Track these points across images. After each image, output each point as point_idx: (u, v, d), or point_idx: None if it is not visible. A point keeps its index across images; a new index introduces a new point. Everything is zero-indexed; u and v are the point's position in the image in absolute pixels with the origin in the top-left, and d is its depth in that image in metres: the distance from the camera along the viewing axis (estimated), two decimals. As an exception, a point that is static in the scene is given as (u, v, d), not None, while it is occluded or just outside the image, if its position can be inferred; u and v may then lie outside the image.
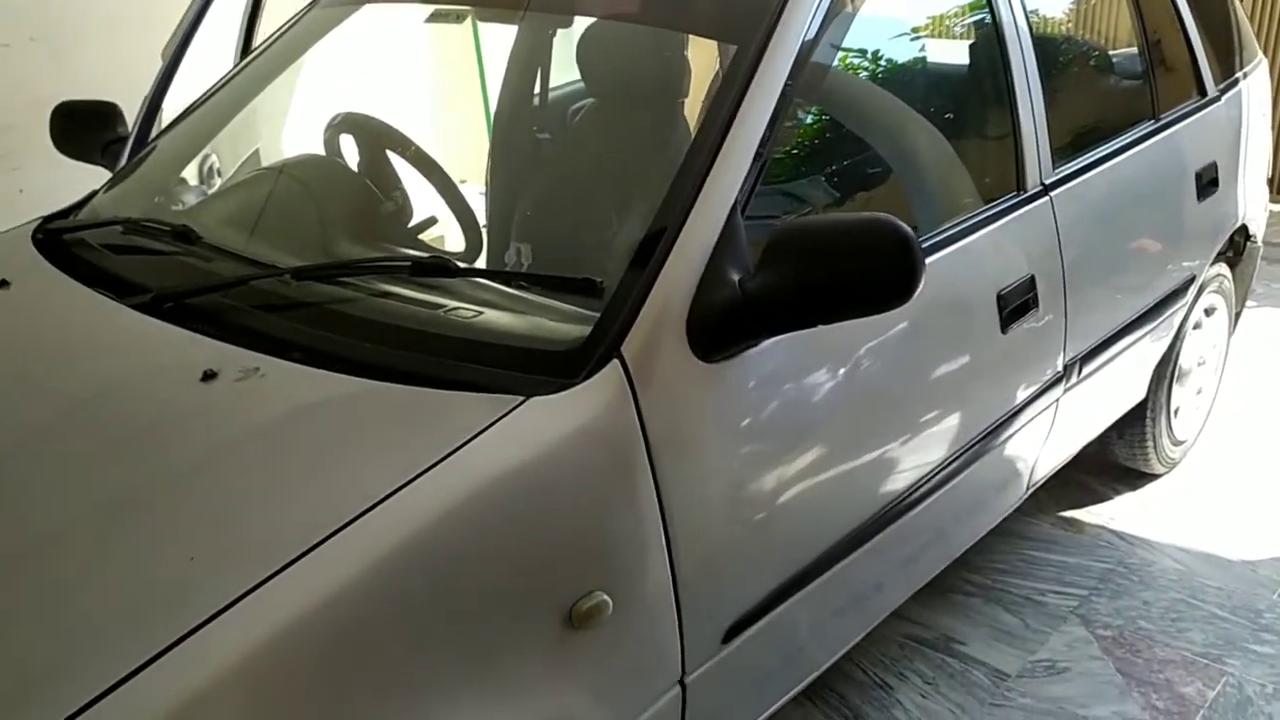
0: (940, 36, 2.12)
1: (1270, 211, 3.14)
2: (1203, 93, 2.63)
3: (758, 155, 1.50)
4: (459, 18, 2.68)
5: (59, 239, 1.81)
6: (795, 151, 1.83)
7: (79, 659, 1.03)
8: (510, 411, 1.27)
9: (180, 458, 1.27)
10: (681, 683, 1.45)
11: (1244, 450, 2.97)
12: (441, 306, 1.48)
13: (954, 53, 2.10)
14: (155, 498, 1.22)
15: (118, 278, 1.64)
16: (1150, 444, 2.72)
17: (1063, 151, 2.12)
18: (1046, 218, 2.02)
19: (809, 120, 1.88)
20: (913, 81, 2.07)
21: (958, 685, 2.15)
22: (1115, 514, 2.71)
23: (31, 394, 1.45)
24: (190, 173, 2.12)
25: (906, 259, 1.31)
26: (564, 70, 2.27)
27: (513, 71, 2.31)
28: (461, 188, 2.10)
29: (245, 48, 2.58)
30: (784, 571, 1.59)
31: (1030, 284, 1.94)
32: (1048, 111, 2.06)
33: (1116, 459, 2.80)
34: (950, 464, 1.88)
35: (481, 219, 2.10)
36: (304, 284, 1.54)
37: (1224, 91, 2.71)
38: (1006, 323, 1.88)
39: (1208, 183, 2.54)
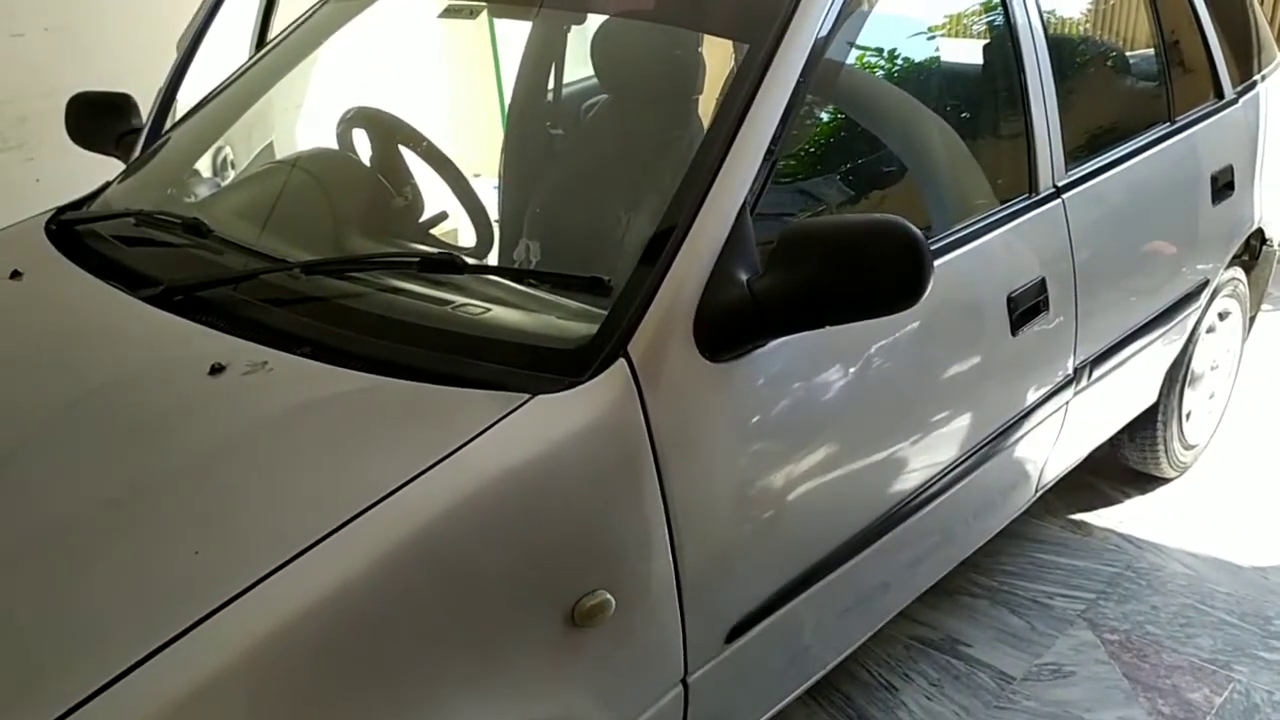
0: (955, 36, 2.11)
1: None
2: (1220, 95, 2.61)
3: (768, 154, 1.49)
4: (473, 13, 2.68)
5: (72, 230, 1.82)
6: (808, 150, 1.82)
7: (85, 650, 1.04)
8: (516, 409, 1.27)
9: (188, 450, 1.28)
10: (684, 682, 1.45)
11: (1256, 455, 2.95)
12: (450, 303, 1.49)
13: (968, 52, 2.10)
14: (162, 490, 1.23)
15: (129, 270, 1.64)
16: (1161, 448, 2.71)
17: (1076, 153, 2.11)
18: (1059, 220, 2.01)
19: (822, 119, 1.87)
20: (926, 81, 2.06)
21: (963, 687, 2.15)
22: (1125, 518, 2.70)
23: (41, 385, 1.45)
24: (204, 165, 2.13)
25: (915, 261, 1.31)
26: (578, 66, 2.26)
27: (526, 67, 2.31)
28: (474, 183, 2.11)
29: (260, 41, 2.58)
30: (789, 571, 1.59)
31: (1041, 286, 1.93)
32: (1062, 113, 2.05)
33: (1127, 462, 2.79)
34: (958, 466, 1.87)
35: (493, 215, 2.11)
36: (313, 278, 1.54)
37: (1242, 94, 2.69)
38: (1017, 325, 1.88)
39: (1223, 186, 2.52)
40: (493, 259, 1.99)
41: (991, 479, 2.02)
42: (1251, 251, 2.81)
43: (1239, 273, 2.78)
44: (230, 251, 1.67)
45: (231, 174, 2.17)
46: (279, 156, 2.19)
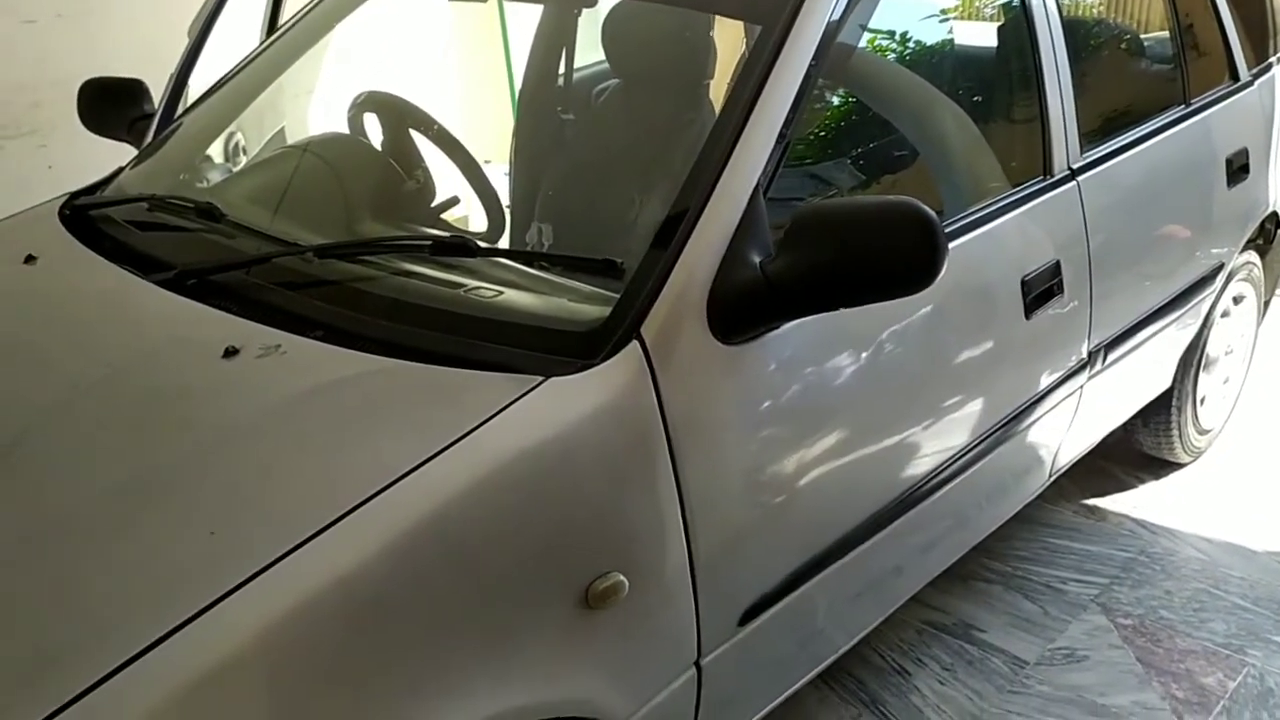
0: (968, 18, 2.10)
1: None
2: (1235, 78, 2.59)
3: (781, 137, 1.48)
4: (483, -3, 2.68)
5: (85, 215, 1.82)
6: (820, 134, 1.82)
7: (102, 630, 1.04)
8: (529, 391, 1.27)
9: (201, 433, 1.28)
10: (697, 665, 1.46)
11: (1270, 440, 2.94)
12: (462, 286, 1.49)
13: (982, 35, 2.08)
14: (177, 472, 1.23)
15: (142, 254, 1.65)
16: (1175, 432, 2.70)
17: (1091, 136, 2.10)
18: (1073, 203, 2.00)
19: (834, 102, 1.87)
20: (939, 64, 2.05)
21: (975, 672, 2.15)
22: (1139, 502, 2.69)
23: (55, 368, 1.46)
24: (216, 150, 2.13)
25: (929, 243, 1.30)
26: (588, 51, 2.26)
27: (537, 52, 2.31)
28: (485, 168, 2.11)
29: (270, 25, 2.58)
30: (802, 555, 1.59)
31: (1056, 269, 1.92)
32: (1076, 95, 2.04)
33: (1141, 447, 2.78)
34: (972, 450, 1.87)
35: (505, 199, 2.11)
36: (326, 262, 1.54)
37: (1257, 76, 2.67)
38: (1031, 309, 1.87)
39: (1238, 169, 2.51)
40: (504, 244, 1.99)
41: (1005, 464, 2.02)
42: (1266, 235, 2.80)
43: (1254, 256, 2.77)
44: (243, 236, 1.67)
45: (243, 159, 2.17)
46: (290, 142, 2.19)
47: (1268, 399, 3.10)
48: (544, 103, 2.33)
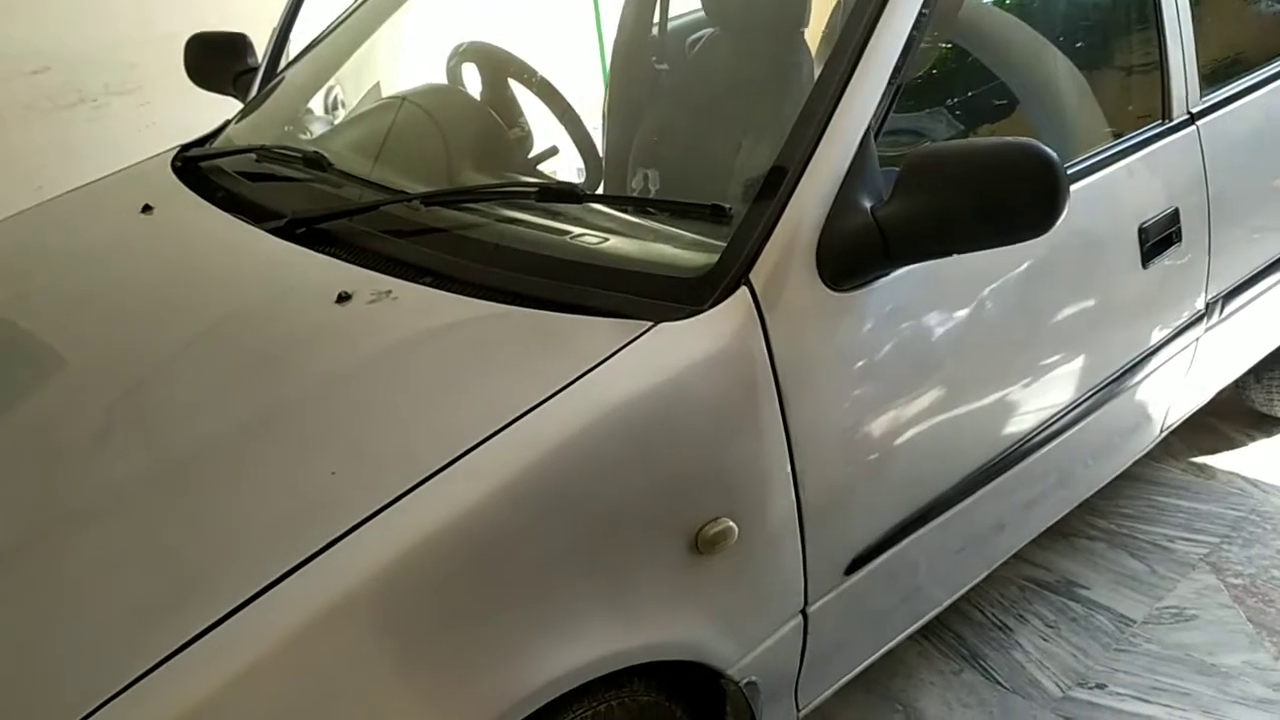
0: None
1: None
2: (1366, 16, 2.46)
3: (892, 80, 1.44)
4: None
5: (196, 166, 1.86)
6: (924, 81, 1.77)
7: (227, 566, 1.08)
8: (639, 336, 1.26)
9: (319, 375, 1.31)
10: (804, 612, 1.45)
11: (1392, 399, 2.82)
12: (567, 233, 1.48)
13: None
14: (296, 414, 1.26)
15: (253, 203, 1.68)
16: (1290, 389, 2.60)
17: (1212, 78, 2.01)
18: (1193, 148, 1.92)
19: (939, 49, 1.81)
20: (1053, 5, 1.98)
21: (1080, 629, 2.11)
22: (1250, 460, 2.60)
23: (176, 314, 1.50)
24: (317, 103, 2.16)
25: (1051, 184, 1.26)
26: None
27: (630, 3, 2.28)
28: (581, 119, 2.10)
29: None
30: (906, 508, 1.57)
31: (1174, 217, 1.85)
32: (1197, 35, 1.95)
33: (1252, 404, 2.69)
34: (1079, 405, 1.82)
35: (600, 150, 2.10)
36: (432, 209, 1.55)
37: (1389, 15, 2.53)
38: (1147, 258, 1.81)
39: (1368, 112, 2.38)
40: (602, 192, 1.98)
41: (1114, 420, 1.96)
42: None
43: (1381, 205, 2.64)
44: (349, 184, 1.70)
45: (342, 112, 2.20)
46: (390, 93, 2.21)
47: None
48: (638, 53, 2.31)
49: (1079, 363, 1.80)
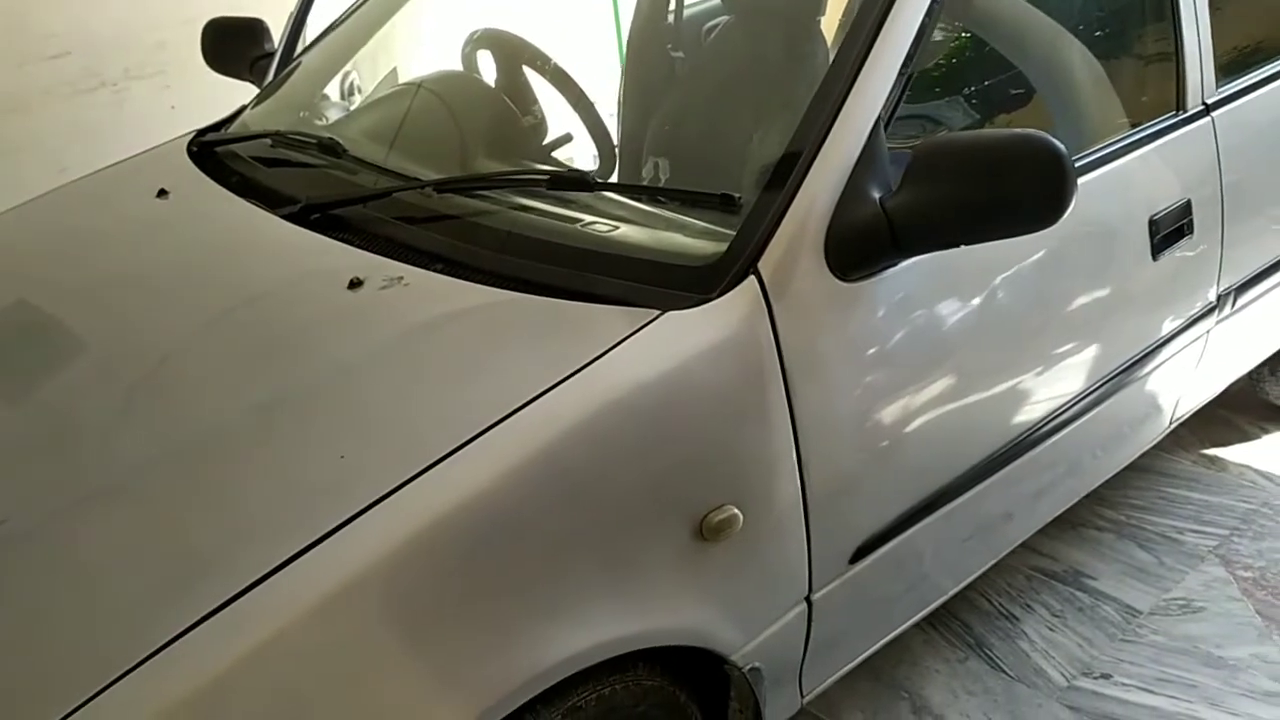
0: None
1: None
2: (1386, 6, 2.44)
3: (903, 70, 1.45)
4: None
5: (212, 151, 1.88)
6: (936, 71, 1.77)
7: (238, 546, 1.10)
8: (647, 324, 1.27)
9: (330, 360, 1.33)
10: (808, 600, 1.46)
11: (1407, 393, 2.80)
12: (578, 221, 1.50)
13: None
14: (307, 398, 1.28)
15: (268, 188, 1.70)
16: (1304, 383, 2.59)
17: (1228, 69, 2.00)
18: (1207, 139, 1.91)
19: (952, 38, 1.81)
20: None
21: (1086, 619, 2.12)
22: (1262, 454, 2.59)
23: (190, 298, 1.52)
24: (332, 89, 2.17)
25: (1058, 176, 1.26)
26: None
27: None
28: (595, 107, 2.11)
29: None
30: (912, 496, 1.58)
31: (1186, 209, 1.85)
32: (1213, 25, 1.94)
33: (1266, 397, 2.68)
34: (1088, 396, 1.82)
35: (615, 138, 2.10)
36: (445, 196, 1.57)
37: None
38: (1158, 249, 1.81)
39: (1386, 105, 2.37)
40: (616, 180, 1.99)
41: (1123, 410, 1.97)
42: None
43: (1398, 199, 2.62)
44: (363, 171, 1.71)
45: (358, 97, 2.21)
46: (405, 79, 2.22)
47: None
48: (653, 41, 2.31)
49: (1088, 353, 1.80)
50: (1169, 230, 1.82)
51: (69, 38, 3.28)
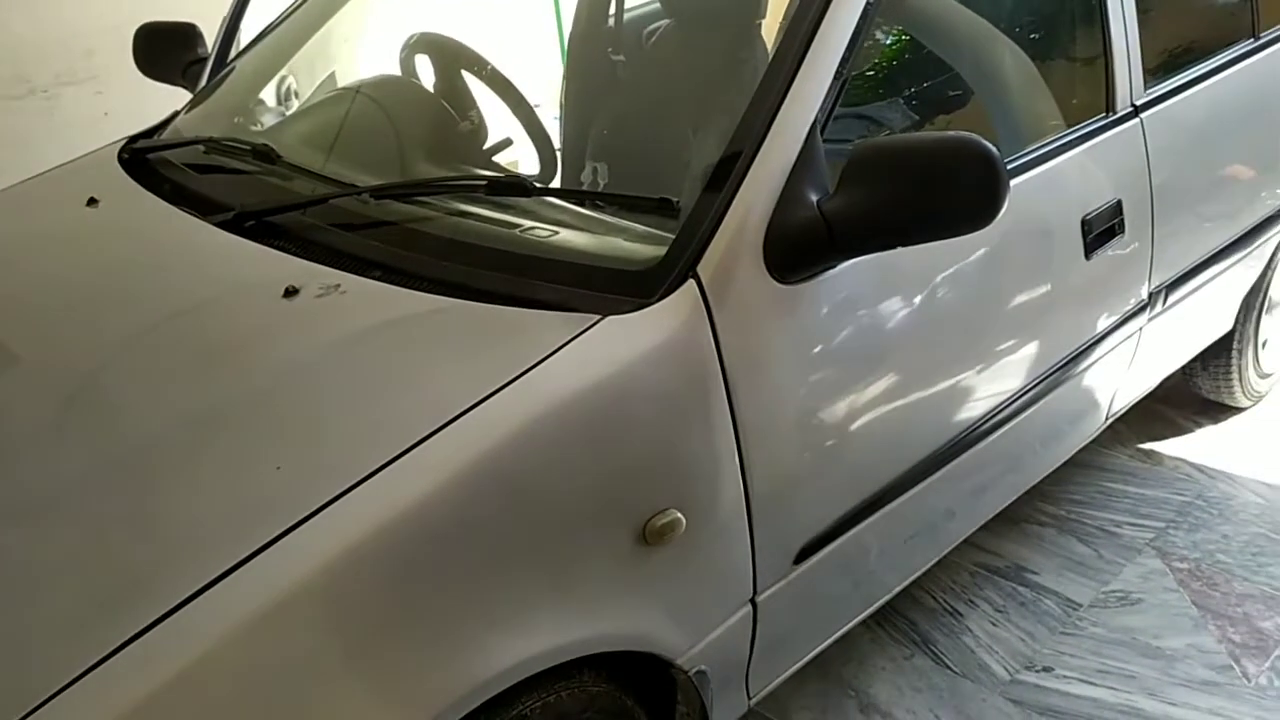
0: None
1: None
2: (1307, 10, 2.50)
3: (838, 74, 1.46)
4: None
5: (143, 158, 1.85)
6: (874, 73, 1.78)
7: (173, 561, 1.08)
8: (586, 330, 1.27)
9: (265, 371, 1.31)
10: (753, 602, 1.47)
11: (1334, 385, 2.88)
12: (518, 226, 1.49)
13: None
14: (242, 409, 1.26)
15: (201, 196, 1.67)
16: (1235, 376, 2.65)
17: (1155, 71, 2.04)
18: (1136, 140, 1.95)
19: (889, 40, 1.83)
20: (999, -2, 2.00)
21: (1028, 613, 2.15)
22: (1196, 447, 2.65)
23: (121, 309, 1.49)
24: (268, 94, 2.14)
25: (991, 178, 1.28)
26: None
27: (586, -6, 2.28)
28: (536, 111, 2.10)
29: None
30: (856, 495, 1.59)
31: (1117, 209, 1.88)
32: (1141, 29, 1.98)
33: (1199, 391, 2.74)
34: (1027, 393, 1.85)
35: (556, 141, 2.10)
36: (382, 203, 1.55)
37: (1331, 8, 2.57)
38: (1091, 249, 1.84)
39: (1309, 105, 2.43)
40: (557, 184, 1.98)
41: (1060, 407, 2.00)
42: (1336, 174, 2.71)
43: (1322, 196, 2.69)
44: (299, 177, 1.69)
45: (295, 102, 2.18)
46: (342, 84, 2.20)
47: (1332, 343, 3.03)
48: (594, 44, 2.31)
49: (1026, 350, 1.83)
50: (1101, 230, 1.85)
51: (-5, 44, 3.21)
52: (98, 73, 3.35)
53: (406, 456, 1.14)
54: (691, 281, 1.32)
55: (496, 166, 2.01)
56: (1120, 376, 2.15)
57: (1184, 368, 2.54)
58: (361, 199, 1.56)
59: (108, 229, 1.69)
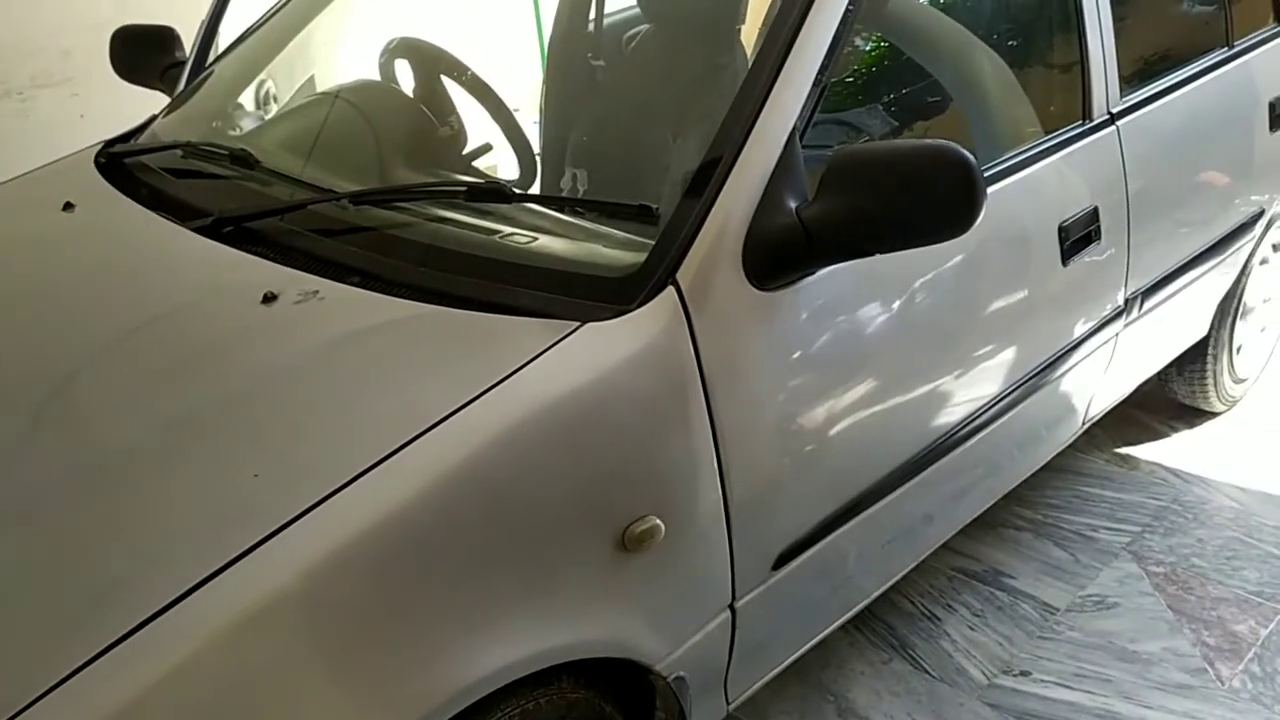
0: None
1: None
2: (1280, 19, 2.53)
3: (817, 81, 1.46)
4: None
5: (120, 162, 1.83)
6: (854, 80, 1.79)
7: (151, 569, 1.07)
8: (566, 336, 1.27)
9: (243, 377, 1.30)
10: (731, 607, 1.47)
11: (1307, 390, 2.91)
12: (497, 232, 1.49)
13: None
14: (220, 415, 1.25)
15: (178, 201, 1.66)
16: (1210, 381, 2.68)
17: (1131, 79, 2.06)
18: (1112, 148, 1.97)
19: (868, 47, 1.84)
20: (977, 6, 2.01)
21: (1005, 618, 2.16)
22: (1172, 451, 2.68)
23: (97, 314, 1.48)
24: (247, 98, 2.13)
25: (968, 186, 1.29)
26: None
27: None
28: (515, 116, 2.10)
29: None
30: (834, 501, 1.59)
31: (1093, 216, 1.90)
32: (1117, 37, 2.00)
33: (1175, 396, 2.76)
34: (1005, 398, 1.86)
35: (536, 147, 2.10)
36: (361, 208, 1.55)
37: (1303, 18, 2.60)
38: (1068, 255, 1.85)
39: (1282, 113, 2.46)
40: (536, 191, 1.98)
41: (1038, 412, 2.01)
42: (1309, 182, 2.74)
43: (1295, 203, 2.72)
44: (277, 182, 1.68)
45: (274, 107, 2.17)
46: (322, 89, 2.19)
47: (1305, 348, 3.06)
48: (574, 49, 2.31)
49: (1004, 356, 1.84)
50: (1078, 236, 1.87)
51: (-31, 46, 3.19)
52: (74, 74, 3.32)
53: (386, 463, 1.14)
54: (671, 288, 1.33)
55: (476, 172, 2.01)
56: (1097, 382, 2.17)
57: (1160, 373, 2.56)
58: (340, 204, 1.55)
59: (84, 234, 1.68)
